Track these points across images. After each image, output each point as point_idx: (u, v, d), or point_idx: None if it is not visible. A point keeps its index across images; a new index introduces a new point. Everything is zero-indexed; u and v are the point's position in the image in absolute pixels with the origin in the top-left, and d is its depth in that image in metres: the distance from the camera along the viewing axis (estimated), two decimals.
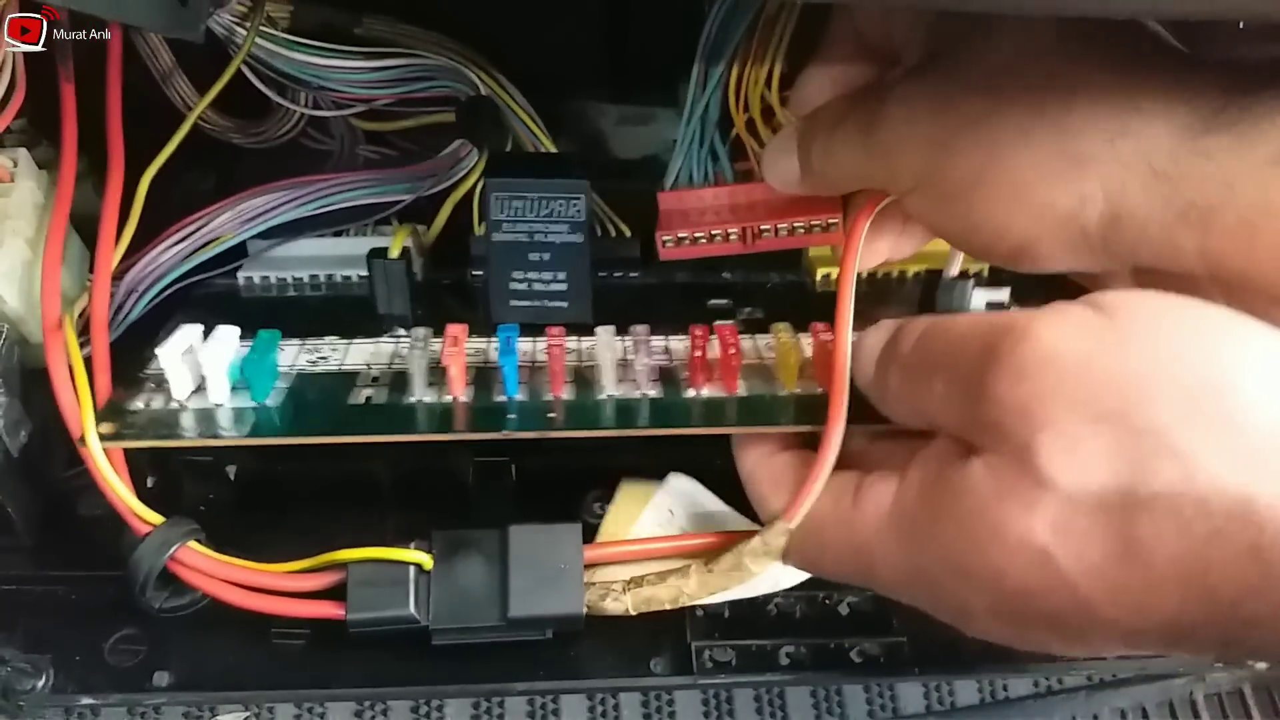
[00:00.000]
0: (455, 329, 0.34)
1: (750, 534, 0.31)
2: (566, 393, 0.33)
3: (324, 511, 0.33)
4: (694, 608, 0.34)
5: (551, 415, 0.32)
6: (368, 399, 0.33)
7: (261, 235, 0.41)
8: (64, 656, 0.33)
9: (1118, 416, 0.22)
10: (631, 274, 0.42)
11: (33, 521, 0.35)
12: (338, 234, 0.43)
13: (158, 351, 0.32)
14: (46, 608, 0.34)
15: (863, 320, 0.33)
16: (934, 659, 0.30)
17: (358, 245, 0.43)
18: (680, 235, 0.37)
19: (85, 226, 0.37)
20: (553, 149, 0.43)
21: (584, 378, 0.34)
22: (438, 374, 0.33)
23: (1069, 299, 0.25)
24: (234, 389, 0.33)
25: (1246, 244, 0.23)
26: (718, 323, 0.34)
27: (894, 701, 0.36)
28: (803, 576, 0.33)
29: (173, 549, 0.31)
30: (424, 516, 0.32)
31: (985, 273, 0.40)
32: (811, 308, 0.34)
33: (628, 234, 0.43)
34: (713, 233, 0.37)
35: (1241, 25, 0.27)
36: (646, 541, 0.34)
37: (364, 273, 0.41)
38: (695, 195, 0.38)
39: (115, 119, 0.35)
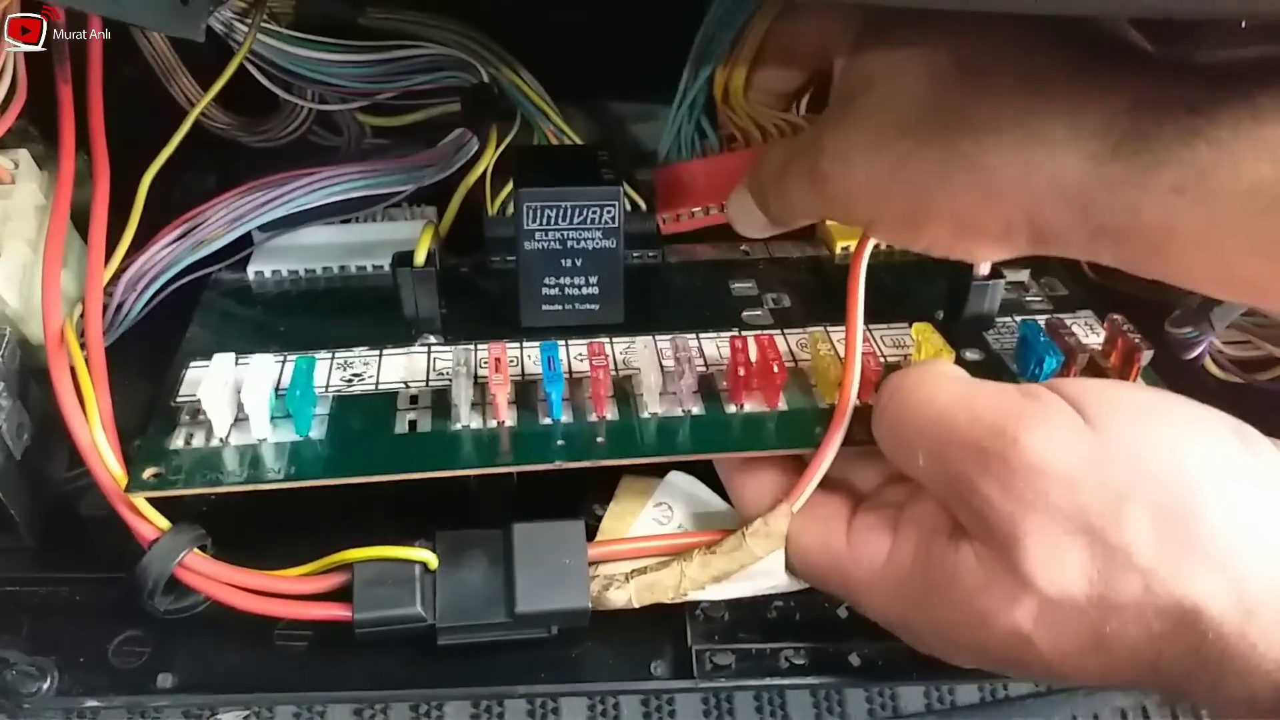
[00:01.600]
0: (497, 350, 0.34)
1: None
2: (610, 411, 0.34)
3: (323, 514, 0.33)
4: (694, 610, 0.34)
5: (599, 440, 0.33)
6: (412, 424, 0.33)
7: (260, 230, 0.41)
8: (68, 659, 0.33)
9: (1095, 531, 0.25)
10: (650, 253, 0.43)
11: (35, 523, 0.35)
12: (346, 221, 0.43)
13: (199, 394, 0.32)
14: (50, 609, 0.34)
15: (886, 314, 0.37)
16: (932, 663, 0.30)
17: (367, 232, 0.43)
18: (679, 211, 0.39)
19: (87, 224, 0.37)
20: (563, 126, 0.43)
21: (622, 390, 0.35)
22: (478, 390, 0.34)
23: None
24: (274, 419, 0.33)
25: (1157, 258, 0.26)
26: (756, 333, 0.35)
27: (894, 701, 0.36)
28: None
29: (180, 556, 0.31)
30: (425, 519, 0.32)
31: None
32: (835, 288, 0.34)
33: (644, 207, 0.42)
34: (709, 208, 0.38)
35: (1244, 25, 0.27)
36: (651, 539, 0.34)
37: (378, 262, 0.41)
38: (687, 169, 0.39)
39: (98, 123, 0.34)
